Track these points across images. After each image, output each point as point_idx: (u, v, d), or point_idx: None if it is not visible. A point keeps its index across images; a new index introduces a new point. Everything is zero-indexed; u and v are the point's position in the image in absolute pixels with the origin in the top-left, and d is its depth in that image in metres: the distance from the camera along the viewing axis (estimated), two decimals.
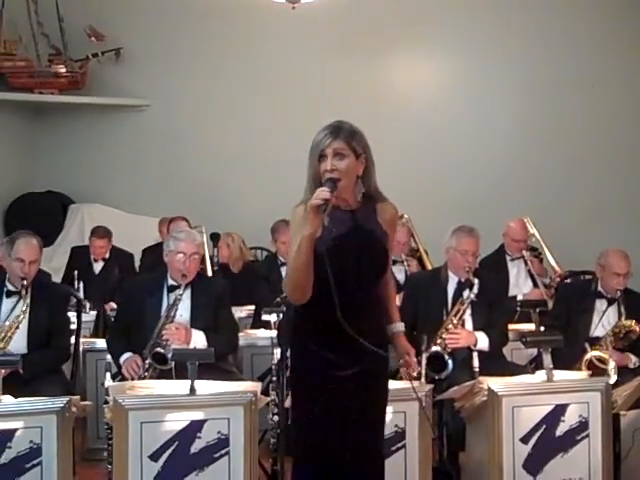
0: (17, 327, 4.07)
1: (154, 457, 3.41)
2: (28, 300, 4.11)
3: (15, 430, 3.34)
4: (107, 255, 6.58)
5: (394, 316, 3.04)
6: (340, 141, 2.71)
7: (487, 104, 8.14)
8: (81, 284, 5.82)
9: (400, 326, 3.05)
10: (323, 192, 2.61)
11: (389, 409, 3.51)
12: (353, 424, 2.80)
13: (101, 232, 6.58)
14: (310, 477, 2.83)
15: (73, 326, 4.56)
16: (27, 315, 4.15)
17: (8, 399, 3.44)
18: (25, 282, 4.11)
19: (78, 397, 3.60)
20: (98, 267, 6.59)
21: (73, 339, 4.55)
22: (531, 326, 5.04)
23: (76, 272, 6.05)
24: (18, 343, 4.11)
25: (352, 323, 2.72)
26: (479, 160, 8.07)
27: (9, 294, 4.18)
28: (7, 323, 4.07)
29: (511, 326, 4.68)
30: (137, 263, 6.72)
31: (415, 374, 4.10)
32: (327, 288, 2.65)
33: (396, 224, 2.98)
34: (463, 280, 4.39)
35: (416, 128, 8.14)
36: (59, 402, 3.41)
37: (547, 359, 3.69)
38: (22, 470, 3.33)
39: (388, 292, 3.03)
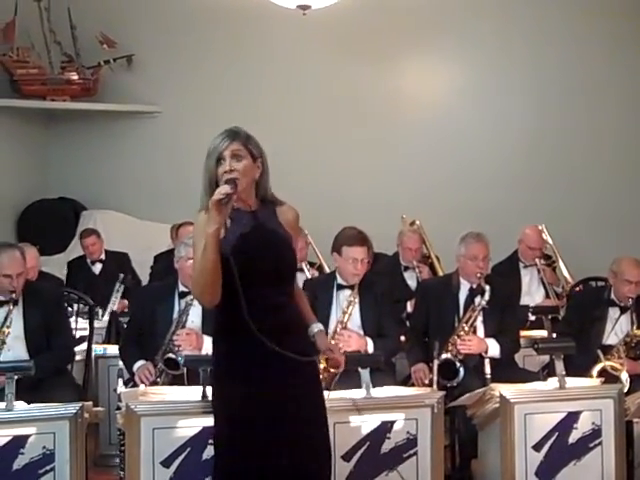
0: (3, 342, 4.05)
1: (166, 463, 3.41)
2: (12, 315, 4.08)
3: (28, 436, 3.35)
4: (103, 256, 6.69)
5: (310, 318, 2.97)
6: (237, 143, 2.76)
7: (498, 110, 8.12)
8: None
9: (319, 325, 2.96)
10: (224, 188, 2.62)
11: (401, 416, 3.53)
12: (287, 442, 2.75)
13: (87, 232, 6.77)
14: None
15: (85, 332, 4.58)
16: (22, 322, 4.15)
17: (21, 405, 3.46)
18: (14, 295, 4.09)
19: (91, 403, 3.61)
20: (97, 269, 6.69)
21: (85, 345, 4.56)
22: (543, 333, 5.03)
23: (77, 284, 6.14)
24: (18, 351, 4.11)
25: (265, 324, 2.68)
26: (490, 166, 8.05)
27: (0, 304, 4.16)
28: None
29: (523, 333, 4.67)
30: (146, 268, 6.76)
31: (427, 381, 4.13)
32: (235, 289, 2.63)
33: (298, 226, 2.94)
34: (474, 287, 4.38)
35: (427, 134, 8.12)
36: (72, 408, 3.41)
37: (559, 366, 3.68)
38: (35, 476, 3.34)
39: (299, 294, 2.97)
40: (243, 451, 2.74)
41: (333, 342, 3.97)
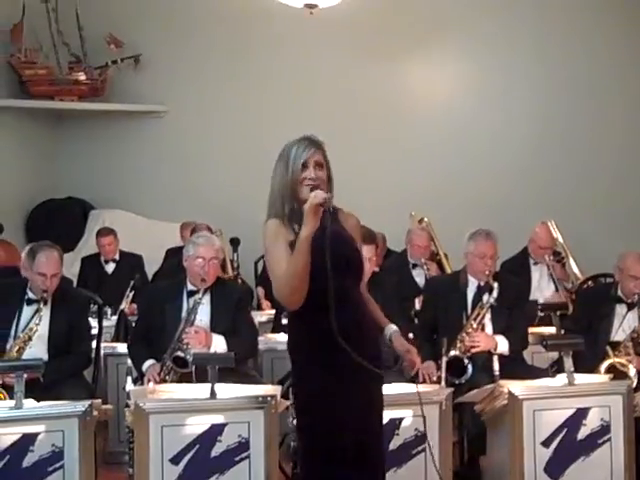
0: (30, 338, 4.09)
1: (175, 461, 3.42)
2: (42, 313, 4.13)
3: (37, 434, 3.36)
4: (117, 256, 6.74)
5: (383, 320, 3.03)
6: (320, 153, 2.83)
7: (505, 106, 8.12)
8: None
9: (394, 326, 3.02)
10: (320, 193, 2.68)
11: (409, 413, 3.54)
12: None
13: (104, 231, 6.81)
14: None
15: (94, 331, 4.60)
16: (48, 323, 4.18)
17: (30, 403, 3.47)
18: (45, 294, 4.13)
19: (99, 401, 3.62)
20: (110, 268, 6.74)
21: (94, 344, 4.57)
22: (552, 329, 5.02)
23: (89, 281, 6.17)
24: (39, 350, 4.14)
25: (347, 328, 2.72)
26: (498, 162, 8.05)
27: (30, 302, 4.20)
28: (21, 335, 4.09)
29: (532, 329, 4.66)
30: (155, 267, 6.79)
31: (435, 378, 4.13)
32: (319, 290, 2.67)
33: (359, 231, 3.01)
34: (483, 284, 4.38)
35: (433, 132, 8.12)
36: (80, 406, 3.43)
37: (568, 362, 3.67)
38: (44, 473, 3.35)
39: (369, 300, 3.03)
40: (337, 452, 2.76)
41: None
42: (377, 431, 2.87)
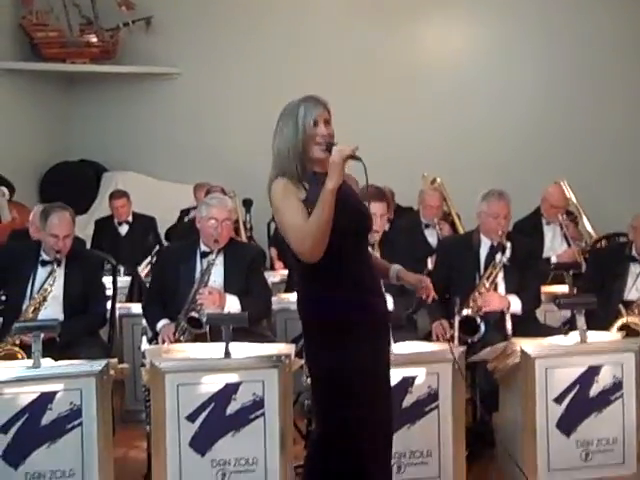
0: (45, 299, 4.13)
1: (191, 418, 3.47)
2: (56, 273, 4.17)
3: (55, 393, 3.42)
4: (130, 218, 6.79)
5: (386, 265, 3.10)
6: (327, 112, 2.83)
7: (515, 67, 8.13)
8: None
9: (397, 265, 3.08)
10: (345, 146, 2.71)
11: (422, 371, 3.57)
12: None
13: (117, 194, 6.86)
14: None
15: (108, 292, 4.63)
16: (62, 283, 4.22)
17: (48, 362, 3.52)
18: (59, 255, 4.16)
19: (116, 360, 3.66)
20: (123, 230, 6.80)
21: (109, 304, 4.61)
22: (564, 288, 5.02)
23: (102, 243, 6.22)
24: (54, 310, 4.18)
25: (365, 279, 2.83)
26: (509, 123, 8.05)
27: (44, 263, 4.23)
28: (36, 296, 4.13)
29: (545, 288, 4.67)
30: (163, 229, 6.85)
31: (448, 337, 4.15)
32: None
33: (359, 191, 3.05)
34: (495, 244, 4.37)
35: (445, 91, 8.10)
36: (98, 365, 3.48)
37: (581, 320, 3.68)
38: (63, 431, 3.42)
39: (372, 255, 3.12)
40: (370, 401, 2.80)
41: None
42: (388, 377, 2.93)
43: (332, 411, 2.81)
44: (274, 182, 2.80)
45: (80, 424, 3.43)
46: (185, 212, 6.88)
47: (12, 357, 3.89)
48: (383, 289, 2.97)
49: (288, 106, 2.83)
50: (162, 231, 6.89)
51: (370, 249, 4.05)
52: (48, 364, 3.51)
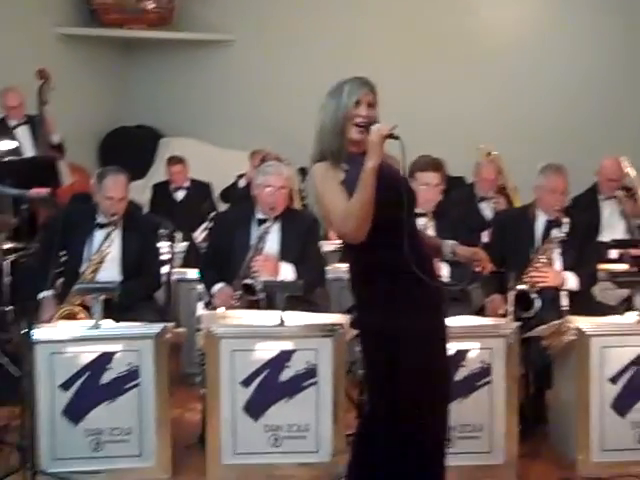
0: (102, 260, 4.19)
1: (245, 383, 3.54)
2: (113, 235, 4.23)
3: (114, 353, 3.52)
4: (186, 184, 6.88)
5: (437, 241, 3.09)
6: (372, 94, 2.82)
7: (576, 38, 7.99)
8: None
9: (449, 240, 3.05)
10: (384, 125, 2.71)
11: (476, 345, 3.57)
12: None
13: (174, 159, 6.95)
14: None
15: (165, 256, 4.70)
16: (120, 246, 4.28)
17: (108, 323, 3.61)
18: (114, 217, 4.23)
19: (173, 324, 3.74)
20: (180, 196, 6.90)
21: (166, 269, 4.68)
22: (623, 266, 4.95)
23: (159, 208, 6.31)
24: (112, 272, 4.24)
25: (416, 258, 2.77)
26: (568, 96, 7.92)
27: (101, 226, 4.29)
28: (94, 257, 4.20)
29: (603, 266, 4.60)
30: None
31: (501, 312, 4.13)
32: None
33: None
34: (552, 219, 4.32)
35: (504, 64, 8.00)
36: (155, 328, 3.57)
37: (639, 299, 3.64)
38: (122, 390, 3.52)
39: (421, 232, 3.10)
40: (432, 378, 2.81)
41: None
42: (445, 354, 2.91)
43: (381, 387, 2.82)
44: (314, 166, 2.82)
45: (138, 384, 3.52)
46: (241, 177, 6.93)
47: (74, 317, 3.98)
48: (435, 263, 2.98)
49: (336, 84, 2.84)
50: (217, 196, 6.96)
51: (423, 224, 4.08)
52: (108, 325, 3.60)
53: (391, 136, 2.69)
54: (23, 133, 6.24)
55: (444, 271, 4.30)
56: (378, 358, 2.82)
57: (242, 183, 6.95)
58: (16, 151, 5.92)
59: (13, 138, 6.13)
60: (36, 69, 6.31)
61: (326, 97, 2.83)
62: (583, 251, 4.30)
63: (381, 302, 2.79)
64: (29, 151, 6.18)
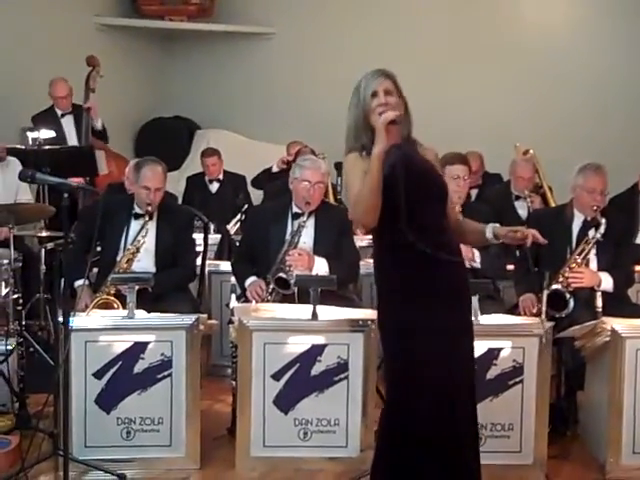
0: (138, 250, 4.23)
1: (277, 377, 3.55)
2: (148, 225, 4.25)
3: (148, 343, 3.55)
4: (221, 176, 6.89)
5: (480, 226, 3.07)
6: (389, 81, 2.88)
7: (616, 38, 7.88)
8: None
9: (491, 224, 3.04)
10: (390, 112, 2.77)
11: (509, 344, 3.55)
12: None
13: (209, 151, 6.96)
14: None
15: (199, 248, 4.73)
16: (154, 237, 4.31)
17: (142, 313, 3.64)
18: (150, 208, 4.25)
19: (206, 315, 3.77)
20: (214, 188, 6.92)
21: (199, 260, 4.71)
22: None
23: (193, 200, 6.35)
24: (147, 263, 4.28)
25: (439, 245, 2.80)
26: (608, 96, 7.82)
27: (137, 216, 4.33)
28: (130, 247, 4.24)
29: (638, 268, 4.55)
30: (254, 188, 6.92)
31: (535, 311, 4.10)
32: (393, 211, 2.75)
33: (439, 164, 3.06)
34: (589, 219, 4.27)
35: (543, 63, 7.92)
36: (188, 319, 3.58)
37: None
38: (154, 380, 3.55)
39: (464, 221, 3.13)
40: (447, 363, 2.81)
41: None
42: (461, 342, 2.88)
43: (397, 376, 2.85)
44: (345, 158, 2.91)
45: (170, 375, 3.55)
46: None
47: (108, 306, 4.03)
48: (463, 253, 2.98)
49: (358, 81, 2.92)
50: (252, 190, 6.97)
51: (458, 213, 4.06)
52: (142, 315, 3.64)
53: (395, 122, 2.77)
54: (69, 122, 6.35)
55: (476, 257, 4.35)
56: (394, 350, 2.85)
57: (275, 168, 6.96)
58: (58, 140, 5.99)
59: (60, 127, 6.23)
60: (86, 56, 6.42)
61: (351, 96, 2.93)
62: (619, 252, 4.26)
63: (397, 293, 2.83)
64: (73, 141, 6.29)
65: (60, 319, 3.30)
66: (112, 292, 4.12)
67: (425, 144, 2.98)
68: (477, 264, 4.41)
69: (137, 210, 4.34)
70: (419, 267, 2.81)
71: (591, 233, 4.21)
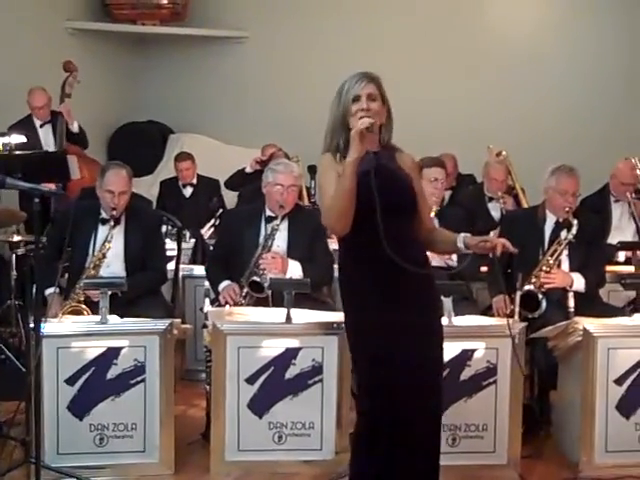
0: (104, 256, 4.19)
1: (251, 380, 3.54)
2: (115, 230, 4.22)
3: (121, 348, 3.52)
4: (194, 181, 6.87)
5: (452, 235, 3.03)
6: (373, 86, 2.85)
7: (587, 37, 7.97)
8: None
9: (462, 233, 3.00)
10: (366, 119, 2.75)
11: (482, 345, 3.56)
12: (416, 363, 2.83)
13: (183, 156, 6.95)
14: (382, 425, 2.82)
15: (172, 252, 4.70)
16: (123, 241, 4.28)
17: (114, 319, 3.62)
18: (115, 212, 4.21)
19: (179, 320, 3.75)
20: (188, 192, 6.89)
21: (173, 265, 4.68)
22: (630, 268, 4.93)
23: (167, 204, 6.32)
24: (117, 268, 4.24)
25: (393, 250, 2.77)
26: (578, 97, 7.91)
27: (104, 221, 4.29)
28: (96, 253, 4.19)
29: (610, 268, 4.59)
30: (231, 193, 6.88)
31: (508, 312, 4.13)
32: (368, 217, 2.74)
33: (417, 170, 3.07)
34: (561, 220, 4.31)
35: (515, 64, 7.99)
36: (162, 324, 3.57)
37: None
38: (127, 385, 3.52)
39: (438, 230, 3.12)
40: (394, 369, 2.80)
41: None
42: (434, 357, 2.89)
43: (358, 374, 2.90)
44: (320, 158, 2.90)
45: (143, 380, 3.53)
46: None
47: (78, 314, 3.99)
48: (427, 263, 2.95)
49: (342, 82, 2.90)
50: (226, 193, 6.95)
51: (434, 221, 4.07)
52: (114, 320, 3.61)
53: (369, 130, 2.75)
54: (47, 132, 6.31)
55: (453, 256, 4.39)
56: (352, 349, 2.92)
57: (249, 169, 6.93)
58: (30, 146, 5.94)
59: (37, 137, 6.18)
60: (60, 61, 6.38)
61: (335, 95, 2.90)
62: (591, 253, 4.29)
63: (349, 294, 2.89)
64: (51, 149, 6.23)
65: (31, 325, 3.27)
66: (81, 299, 4.08)
67: (404, 151, 2.97)
68: (454, 262, 4.44)
69: (104, 215, 4.30)
70: (381, 272, 2.80)
71: (563, 234, 4.25)
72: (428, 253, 3.02)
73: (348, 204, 2.73)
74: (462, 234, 3.00)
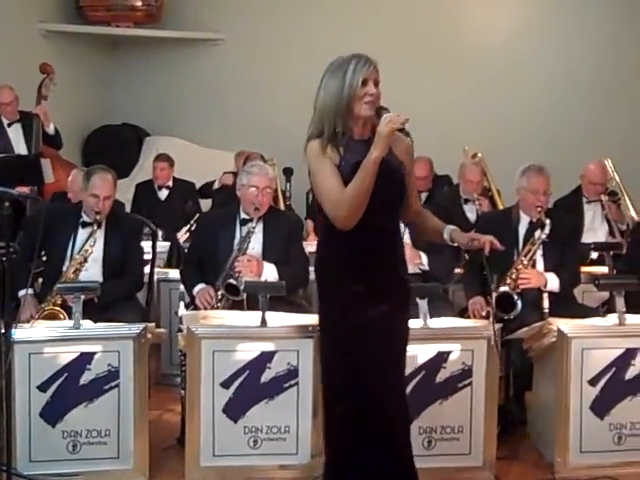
0: (85, 260, 4.17)
1: (226, 384, 3.52)
2: (97, 235, 4.21)
3: (94, 353, 3.49)
4: (170, 183, 6.83)
5: (440, 224, 3.00)
6: (377, 72, 2.76)
7: (561, 40, 8.02)
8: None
9: (451, 226, 2.99)
10: (398, 117, 2.64)
11: (457, 346, 3.57)
12: (385, 361, 2.83)
13: (162, 156, 6.92)
14: (349, 420, 2.82)
15: (147, 256, 4.68)
16: (102, 246, 4.26)
17: (88, 324, 3.58)
18: (99, 216, 4.20)
19: (154, 324, 3.73)
20: (163, 195, 6.86)
21: (148, 269, 4.66)
22: (604, 269, 4.96)
23: (142, 207, 6.29)
24: (94, 272, 4.22)
25: (377, 252, 2.80)
26: (554, 99, 7.96)
27: (84, 225, 4.27)
28: (77, 256, 4.18)
29: (584, 269, 4.61)
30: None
31: (484, 313, 4.14)
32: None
33: (412, 154, 2.94)
34: (535, 220, 4.33)
35: (491, 66, 8.02)
36: (136, 328, 3.53)
37: (620, 302, 3.65)
38: (101, 391, 3.48)
39: (425, 214, 3.04)
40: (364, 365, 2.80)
41: None
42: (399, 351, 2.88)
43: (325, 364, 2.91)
44: (310, 142, 2.76)
45: (117, 385, 3.49)
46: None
47: (54, 317, 3.96)
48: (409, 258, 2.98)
49: (336, 61, 2.77)
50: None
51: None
52: (88, 325, 3.58)
53: (401, 130, 2.67)
54: (16, 131, 6.22)
55: (423, 260, 4.39)
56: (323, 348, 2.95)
57: (217, 185, 6.93)
58: (5, 149, 5.88)
59: (6, 136, 6.10)
60: (36, 63, 6.32)
61: (327, 76, 2.76)
62: (565, 252, 4.32)
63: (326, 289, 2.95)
64: (22, 150, 6.16)
65: (2, 331, 3.22)
66: (58, 302, 4.05)
67: (397, 134, 2.80)
68: (425, 267, 4.45)
69: (85, 219, 4.28)
70: (348, 276, 2.81)
71: (537, 234, 4.27)
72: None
73: (364, 202, 2.67)
74: (449, 226, 2.98)
